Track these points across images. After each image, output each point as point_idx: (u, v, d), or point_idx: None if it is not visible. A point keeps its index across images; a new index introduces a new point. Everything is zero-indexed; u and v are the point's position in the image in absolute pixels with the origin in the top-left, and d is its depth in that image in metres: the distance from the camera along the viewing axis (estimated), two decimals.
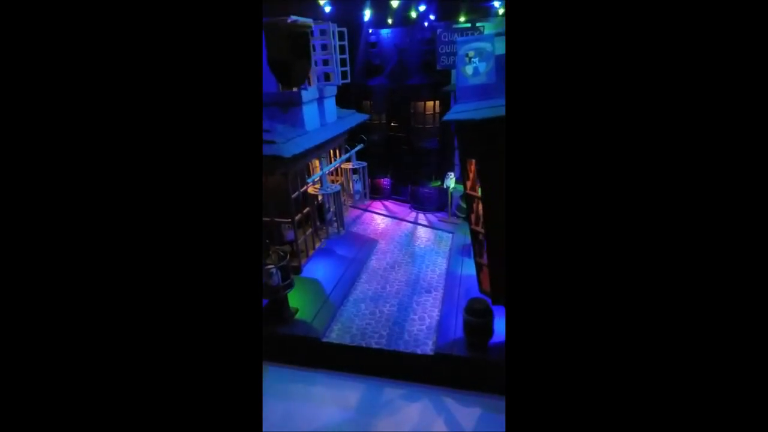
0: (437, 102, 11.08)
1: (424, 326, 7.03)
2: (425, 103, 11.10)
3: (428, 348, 6.54)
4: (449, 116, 5.85)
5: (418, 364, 6.42)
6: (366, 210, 11.50)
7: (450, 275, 8.56)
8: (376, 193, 12.96)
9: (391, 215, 12.09)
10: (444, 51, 9.41)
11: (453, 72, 10.68)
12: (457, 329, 6.80)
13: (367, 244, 10.21)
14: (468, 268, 8.72)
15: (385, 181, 13.18)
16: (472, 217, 7.02)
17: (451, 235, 10.60)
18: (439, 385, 6.28)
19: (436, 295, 7.98)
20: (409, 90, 11.31)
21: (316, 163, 7.80)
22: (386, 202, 13.15)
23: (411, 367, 6.46)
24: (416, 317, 7.30)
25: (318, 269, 8.75)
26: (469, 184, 6.72)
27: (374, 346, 6.65)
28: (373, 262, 9.37)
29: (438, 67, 9.88)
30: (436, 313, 7.37)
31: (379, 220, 11.90)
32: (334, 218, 7.33)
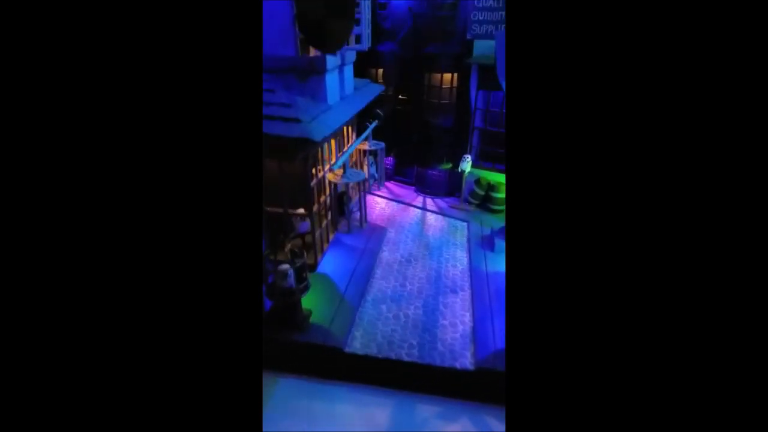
0: (456, 75, 9.98)
1: (458, 334, 6.30)
2: (442, 76, 9.96)
3: (467, 361, 5.83)
4: None
5: (456, 379, 5.72)
6: (368, 193, 10.46)
7: (475, 272, 7.82)
8: None
9: (396, 199, 11.13)
10: (477, 18, 8.25)
11: (475, 43, 9.59)
12: (495, 338, 6.12)
13: (375, 233, 9.27)
14: (493, 264, 8.03)
15: (388, 160, 12.10)
16: None
17: (465, 224, 9.82)
18: (481, 402, 5.63)
19: (464, 296, 7.23)
20: (423, 60, 10.11)
21: (332, 142, 6.68)
22: (389, 183, 12.14)
23: (447, 382, 5.76)
24: (446, 322, 6.55)
25: (327, 262, 7.77)
26: None
27: (405, 358, 5.86)
28: (386, 254, 8.47)
29: (468, 37, 8.73)
30: (468, 319, 6.64)
31: (382, 203, 10.93)
32: (357, 210, 6.33)
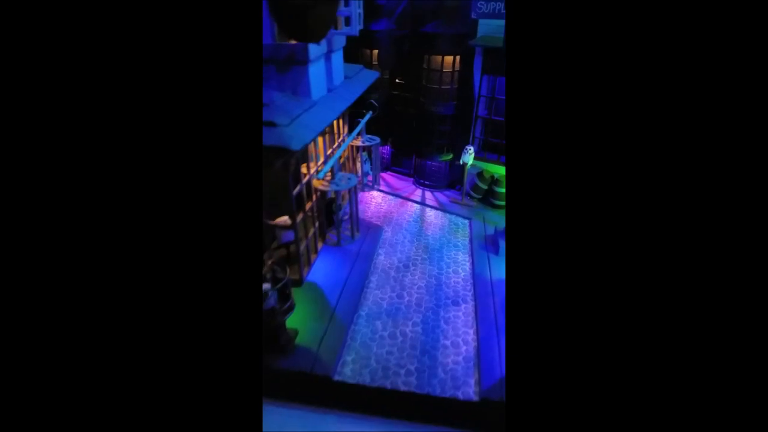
0: (458, 58, 9.04)
1: (461, 357, 5.71)
2: (443, 58, 9.02)
3: (471, 390, 5.26)
4: None
5: (458, 411, 5.16)
6: (363, 191, 9.69)
7: (478, 280, 7.18)
8: None
9: (394, 193, 10.38)
10: None
11: (479, 22, 8.63)
12: (502, 361, 5.53)
13: (371, 232, 8.58)
14: (498, 270, 7.39)
15: (384, 150, 11.28)
16: None
17: (467, 221, 9.13)
18: None
19: (467, 308, 6.62)
20: (422, 40, 9.14)
21: (319, 141, 5.88)
22: (385, 175, 11.36)
23: (448, 414, 5.20)
24: (448, 342, 5.95)
25: (318, 268, 7.11)
26: None
27: (402, 387, 5.29)
28: (382, 258, 7.81)
29: (473, 16, 7.78)
30: (471, 337, 6.04)
31: (379, 198, 10.20)
32: (347, 218, 5.60)
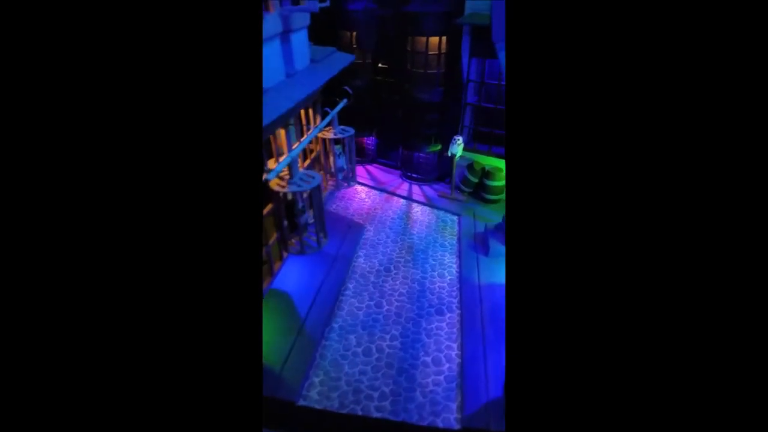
0: (444, 39, 8.25)
1: (442, 377, 5.09)
2: (428, 40, 8.23)
3: (452, 417, 4.64)
4: None
5: None
6: (338, 190, 8.98)
7: (465, 284, 6.53)
8: (357, 155, 10.33)
9: (379, 187, 9.68)
10: None
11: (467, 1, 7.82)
12: (488, 383, 4.91)
13: (351, 232, 7.93)
14: (487, 273, 6.73)
15: (369, 141, 10.54)
16: None
17: (456, 218, 8.45)
18: None
19: (451, 318, 5.98)
20: (405, 20, 8.34)
21: (281, 134, 5.18)
22: (370, 167, 10.65)
23: None
24: (429, 359, 5.32)
25: (289, 274, 6.46)
26: None
27: (374, 413, 4.67)
28: (362, 261, 7.17)
29: None
30: (455, 353, 5.41)
31: (362, 193, 9.51)
32: (311, 221, 4.93)
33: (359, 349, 5.43)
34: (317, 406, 4.75)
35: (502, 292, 6.30)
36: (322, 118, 6.46)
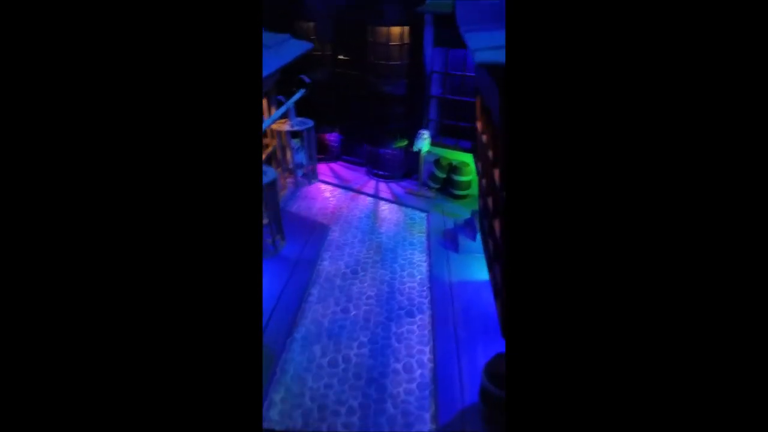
0: (406, 29, 7.92)
1: (414, 384, 4.72)
2: (389, 30, 7.88)
3: (426, 428, 4.28)
4: (487, 58, 3.04)
5: None
6: (298, 188, 8.48)
7: (435, 283, 6.21)
8: (320, 153, 9.85)
9: (344, 185, 9.24)
10: None
11: None
12: (463, 388, 4.59)
13: (314, 233, 7.45)
14: (458, 270, 6.45)
15: (332, 137, 10.08)
16: (488, 202, 4.53)
17: (425, 215, 8.14)
18: None
19: (422, 320, 5.63)
20: (366, 9, 7.95)
21: None
22: (334, 165, 10.19)
23: None
24: (400, 366, 4.94)
25: None
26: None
27: (341, 429, 4.24)
28: (326, 264, 6.70)
29: None
30: (427, 357, 5.06)
31: (327, 191, 9.05)
32: (266, 223, 4.44)
33: (324, 360, 4.98)
34: (277, 428, 4.27)
35: (473, 290, 6.03)
36: (277, 109, 5.97)
